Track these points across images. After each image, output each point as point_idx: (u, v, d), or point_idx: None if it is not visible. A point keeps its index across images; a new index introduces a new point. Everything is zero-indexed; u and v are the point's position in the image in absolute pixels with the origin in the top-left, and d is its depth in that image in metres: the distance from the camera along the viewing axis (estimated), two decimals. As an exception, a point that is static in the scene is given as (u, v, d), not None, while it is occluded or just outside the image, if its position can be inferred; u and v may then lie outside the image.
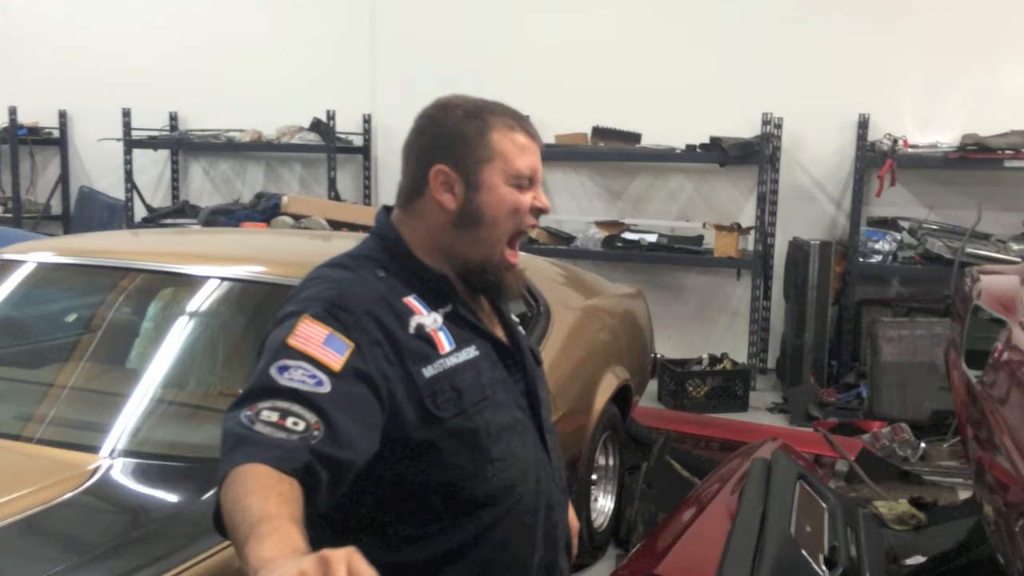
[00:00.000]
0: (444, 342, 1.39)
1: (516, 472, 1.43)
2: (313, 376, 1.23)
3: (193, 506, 1.96)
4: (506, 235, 1.44)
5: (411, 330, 1.36)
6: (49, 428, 2.30)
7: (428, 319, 1.39)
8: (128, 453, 2.15)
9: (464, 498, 1.38)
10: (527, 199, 1.44)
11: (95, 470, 2.06)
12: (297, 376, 1.22)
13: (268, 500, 1.09)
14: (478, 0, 6.63)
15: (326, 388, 1.23)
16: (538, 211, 1.46)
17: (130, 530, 1.93)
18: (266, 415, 1.19)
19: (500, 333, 1.52)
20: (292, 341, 1.26)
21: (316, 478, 1.18)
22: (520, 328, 1.61)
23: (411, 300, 1.40)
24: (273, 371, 1.23)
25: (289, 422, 1.19)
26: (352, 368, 1.27)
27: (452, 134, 1.42)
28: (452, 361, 1.38)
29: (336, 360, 1.26)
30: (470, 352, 1.41)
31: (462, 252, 1.44)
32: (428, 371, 1.35)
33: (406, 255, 1.44)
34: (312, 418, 1.20)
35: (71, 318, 2.97)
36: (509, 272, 1.47)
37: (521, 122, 1.46)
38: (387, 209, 1.52)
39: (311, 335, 1.27)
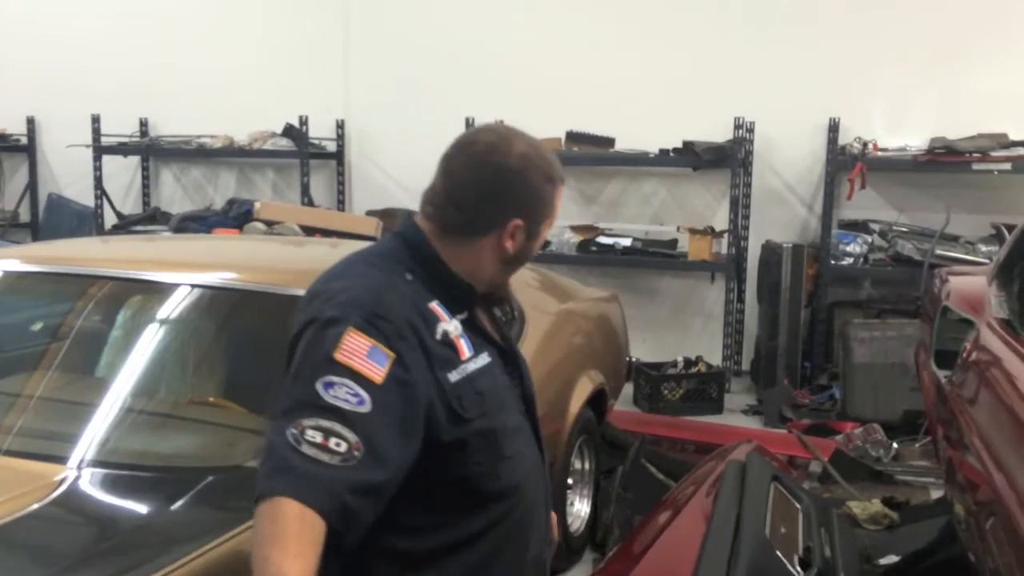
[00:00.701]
0: (465, 348, 1.47)
1: (521, 471, 1.53)
2: (356, 395, 1.31)
3: (162, 516, 1.94)
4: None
5: (438, 336, 1.44)
6: (16, 439, 2.25)
7: (451, 326, 1.46)
8: (96, 463, 2.12)
9: (479, 493, 1.47)
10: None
11: (61, 481, 2.03)
12: (341, 395, 1.31)
13: (286, 554, 1.21)
14: (451, 6, 6.62)
15: (367, 407, 1.31)
16: None
17: (97, 541, 1.90)
18: (311, 435, 1.28)
19: (500, 341, 1.61)
20: (339, 356, 1.33)
21: (347, 514, 1.28)
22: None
23: (435, 306, 1.46)
24: (319, 387, 1.31)
25: (332, 443, 1.29)
26: (394, 377, 1.35)
27: (536, 197, 1.52)
28: (472, 366, 1.47)
29: (379, 373, 1.34)
30: (485, 358, 1.50)
31: (492, 280, 1.55)
32: (453, 376, 1.43)
33: (437, 263, 1.49)
34: (353, 438, 1.29)
35: (37, 327, 2.92)
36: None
37: (562, 174, 1.59)
38: (412, 214, 1.57)
39: (355, 348, 1.34)
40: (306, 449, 1.28)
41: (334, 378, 1.32)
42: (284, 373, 1.41)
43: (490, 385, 1.49)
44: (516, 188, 1.49)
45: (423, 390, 1.38)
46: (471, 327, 1.51)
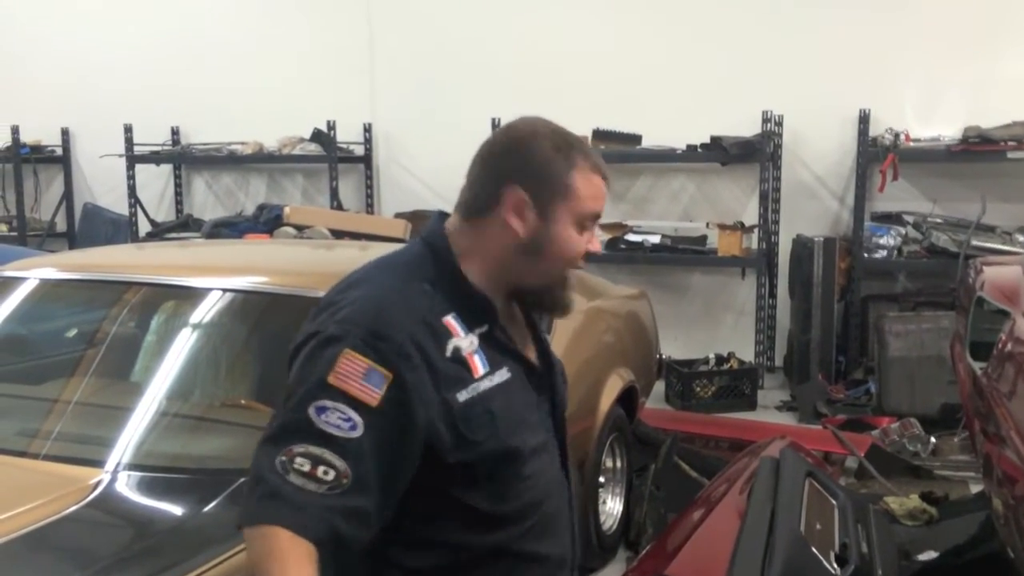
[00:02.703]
0: (479, 365, 1.39)
1: (540, 491, 1.46)
2: (348, 419, 1.27)
3: (196, 517, 1.96)
4: (558, 272, 1.46)
5: (448, 354, 1.36)
6: (55, 444, 2.30)
7: (465, 342, 1.38)
8: (132, 466, 2.15)
9: (491, 513, 1.40)
10: (584, 242, 1.45)
11: (98, 484, 2.06)
12: (333, 420, 1.27)
13: (287, 568, 1.21)
14: (476, 7, 6.64)
15: (359, 431, 1.27)
16: (588, 255, 1.48)
17: (133, 543, 1.93)
18: (299, 463, 1.25)
19: (532, 353, 1.52)
20: (333, 380, 1.29)
21: (340, 538, 1.26)
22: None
23: (450, 320, 1.39)
24: (311, 412, 1.28)
25: (320, 471, 1.25)
26: (391, 399, 1.29)
27: (538, 164, 1.41)
28: (486, 384, 1.38)
29: (374, 395, 1.29)
30: (503, 375, 1.42)
31: (518, 277, 1.44)
32: (462, 396, 1.36)
33: (453, 271, 1.42)
34: (342, 466, 1.26)
35: (71, 333, 2.98)
36: (566, 289, 1.49)
37: (602, 168, 1.46)
38: (442, 215, 1.50)
39: (351, 370, 1.29)
40: (293, 478, 1.25)
41: (327, 402, 1.28)
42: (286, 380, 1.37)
43: (505, 404, 1.40)
44: (514, 153, 1.41)
45: (421, 412, 1.32)
46: (491, 341, 1.42)
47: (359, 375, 1.29)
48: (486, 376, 1.39)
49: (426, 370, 1.33)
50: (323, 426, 1.27)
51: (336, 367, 1.29)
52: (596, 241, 1.48)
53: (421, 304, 1.37)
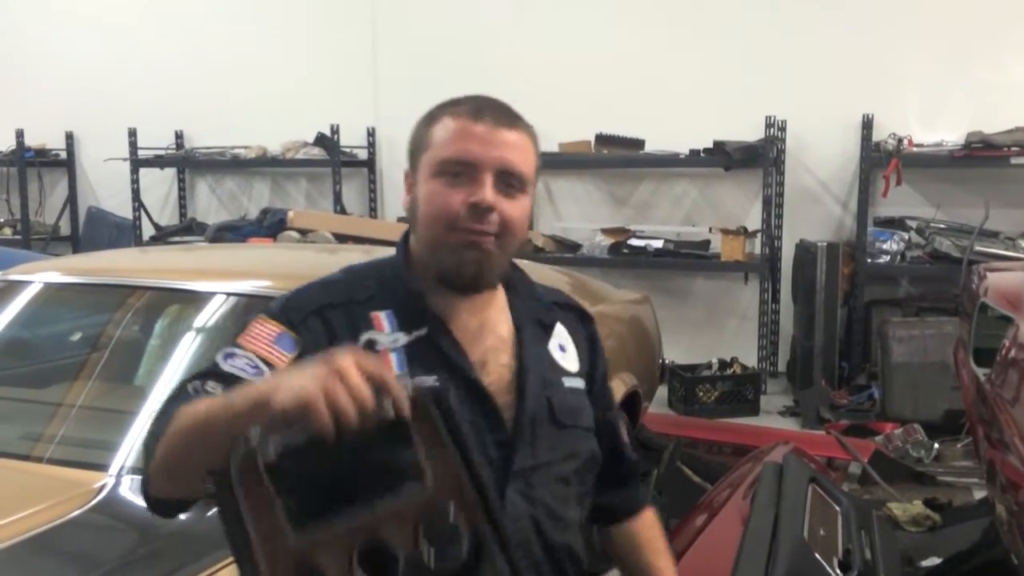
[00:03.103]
0: (393, 362, 1.31)
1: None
2: (255, 367, 1.25)
3: (200, 521, 1.96)
4: (440, 234, 1.31)
5: (360, 343, 1.31)
6: (59, 447, 2.30)
7: (386, 338, 1.32)
8: (135, 470, 2.15)
9: None
10: (451, 196, 1.29)
11: (101, 488, 2.06)
12: (239, 364, 1.24)
13: (196, 405, 1.10)
14: (479, 11, 6.65)
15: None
16: (476, 208, 1.29)
17: (137, 546, 1.93)
18: (211, 386, 1.20)
19: (495, 374, 1.36)
20: (242, 340, 1.29)
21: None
22: (567, 381, 1.44)
23: (380, 315, 1.34)
24: (219, 357, 1.26)
25: None
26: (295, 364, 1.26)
27: (412, 144, 1.39)
28: None
29: (283, 358, 1.27)
30: (425, 381, 1.30)
31: (420, 256, 1.37)
32: None
33: (397, 272, 1.39)
34: None
35: (75, 337, 2.98)
36: (466, 252, 1.31)
37: (476, 109, 1.34)
38: None
39: (261, 333, 1.29)
40: (205, 395, 1.18)
41: (236, 350, 1.26)
42: None
43: None
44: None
45: None
46: (429, 346, 1.33)
47: (270, 338, 1.28)
48: (399, 376, 1.29)
49: (326, 346, 1.27)
50: (229, 368, 1.23)
51: (248, 330, 1.30)
52: (484, 191, 1.29)
53: (353, 293, 1.36)
